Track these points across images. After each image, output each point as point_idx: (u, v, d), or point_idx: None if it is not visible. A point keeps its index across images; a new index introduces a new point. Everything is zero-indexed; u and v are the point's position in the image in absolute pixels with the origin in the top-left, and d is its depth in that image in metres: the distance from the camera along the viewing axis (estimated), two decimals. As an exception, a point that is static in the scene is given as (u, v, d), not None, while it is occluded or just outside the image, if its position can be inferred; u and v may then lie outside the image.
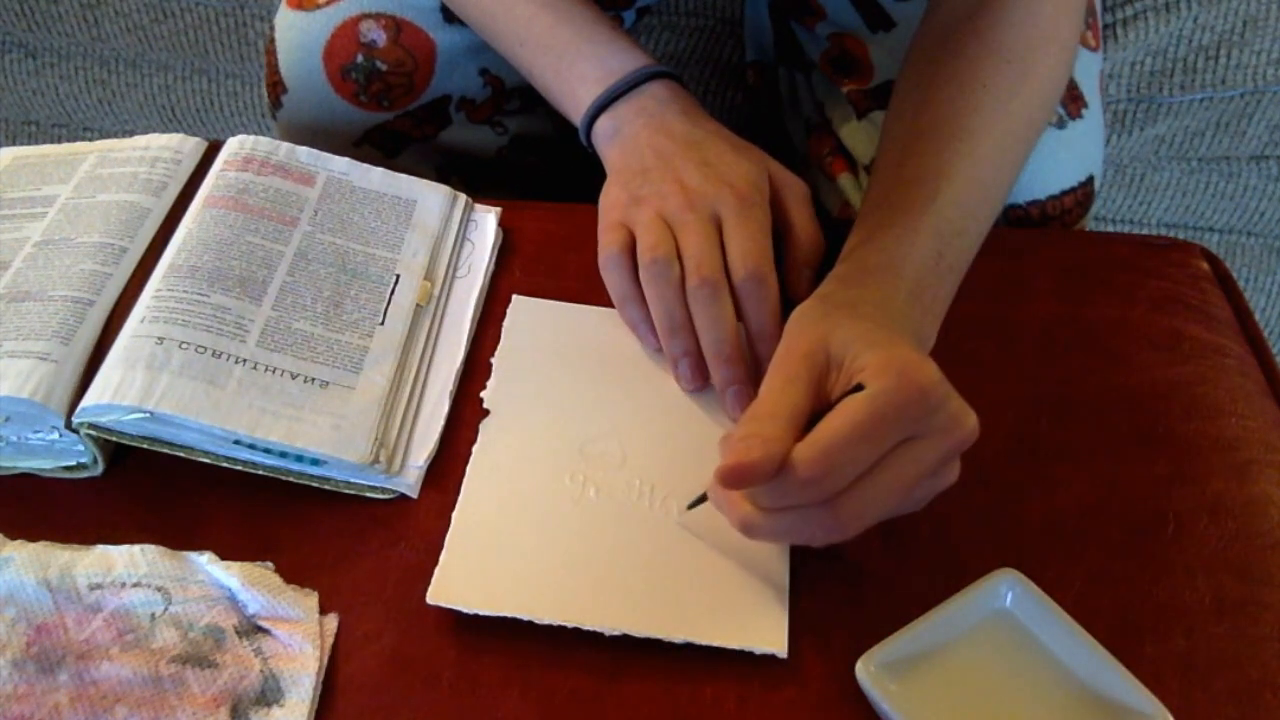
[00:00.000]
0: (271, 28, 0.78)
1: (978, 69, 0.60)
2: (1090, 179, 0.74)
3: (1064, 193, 0.72)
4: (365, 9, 0.75)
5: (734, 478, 0.45)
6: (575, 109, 0.66)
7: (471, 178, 0.84)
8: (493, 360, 0.59)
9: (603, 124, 0.64)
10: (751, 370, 0.57)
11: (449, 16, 0.74)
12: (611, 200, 0.61)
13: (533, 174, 0.87)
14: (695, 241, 0.57)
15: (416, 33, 0.75)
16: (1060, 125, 0.73)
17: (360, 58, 0.75)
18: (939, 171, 0.57)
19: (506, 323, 0.61)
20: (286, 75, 0.77)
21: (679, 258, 0.57)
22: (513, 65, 0.70)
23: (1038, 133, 0.62)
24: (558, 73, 0.67)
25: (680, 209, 0.58)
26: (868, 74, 0.77)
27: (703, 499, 0.51)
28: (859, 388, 0.46)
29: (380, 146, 0.79)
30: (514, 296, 0.63)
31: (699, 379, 0.58)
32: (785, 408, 0.47)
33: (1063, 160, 0.72)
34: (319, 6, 0.75)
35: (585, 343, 0.60)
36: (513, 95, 0.81)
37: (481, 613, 0.48)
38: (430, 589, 0.49)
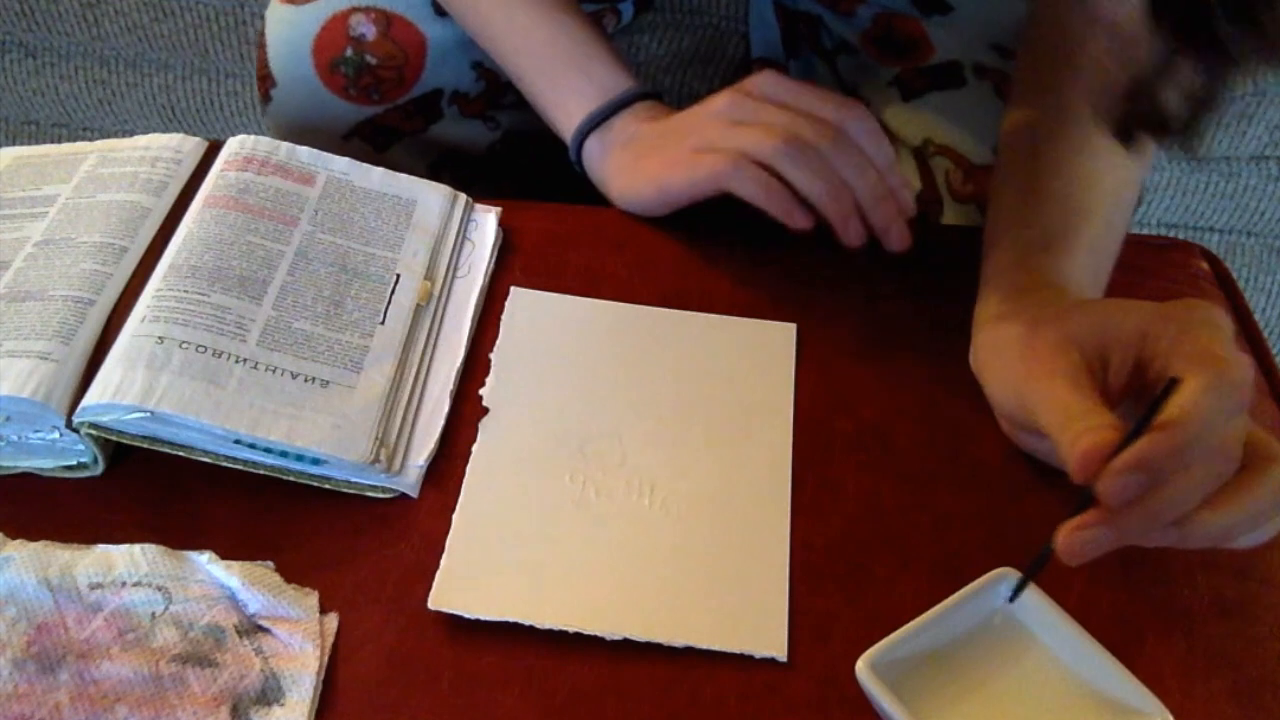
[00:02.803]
0: (262, 21, 0.78)
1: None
2: None
3: None
4: (355, 3, 0.75)
5: (1087, 464, 0.44)
6: (566, 124, 0.67)
7: (463, 174, 0.84)
8: (492, 356, 0.59)
9: (595, 140, 0.66)
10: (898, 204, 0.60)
11: (440, 10, 0.74)
12: (658, 162, 0.63)
13: (524, 170, 0.87)
14: (789, 117, 0.59)
15: (407, 26, 0.75)
16: None
17: (349, 51, 0.75)
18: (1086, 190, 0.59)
19: (505, 315, 0.61)
20: (276, 69, 0.77)
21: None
22: (503, 70, 0.70)
23: None
24: (552, 85, 0.67)
25: (743, 106, 0.61)
26: (925, 52, 0.77)
27: (1034, 570, 0.48)
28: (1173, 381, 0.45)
29: (370, 140, 0.79)
30: (512, 288, 0.63)
31: (864, 233, 0.60)
32: (1087, 401, 0.46)
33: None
34: (309, 0, 0.75)
35: (585, 336, 0.60)
36: (507, 89, 0.81)
37: (483, 618, 0.48)
38: (431, 594, 0.49)
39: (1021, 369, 0.50)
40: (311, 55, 0.76)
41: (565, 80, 0.67)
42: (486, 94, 0.80)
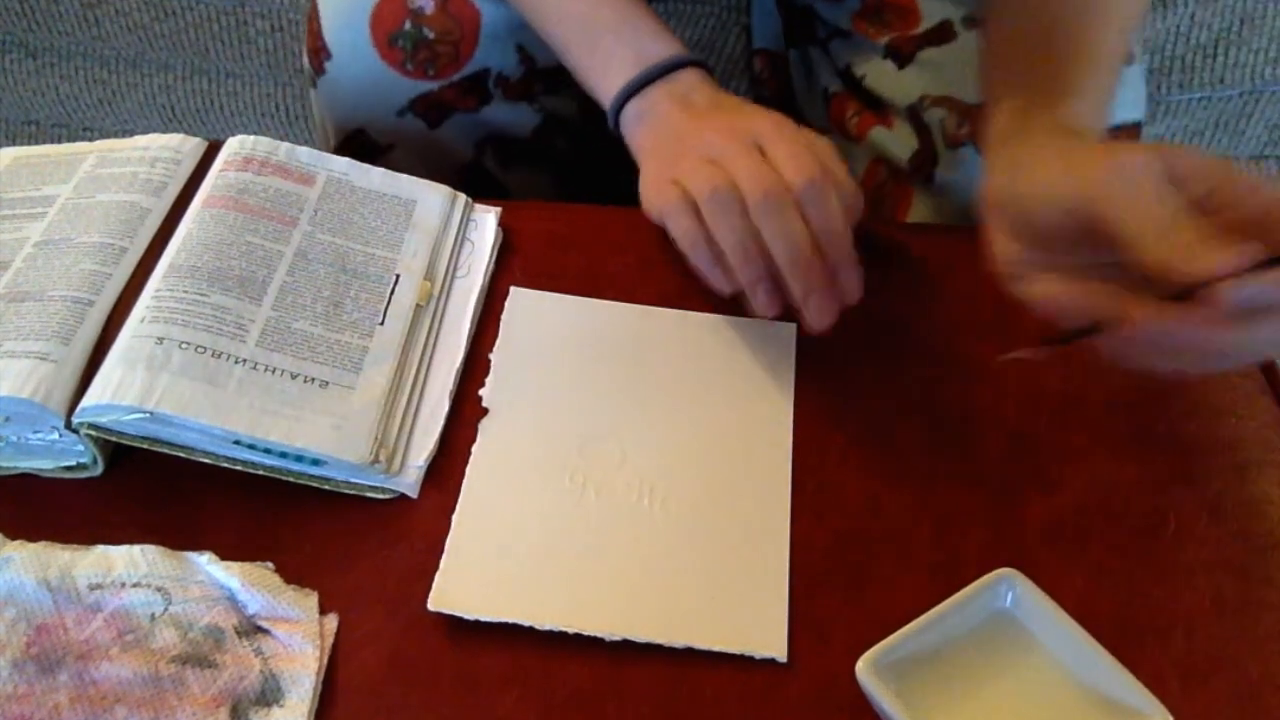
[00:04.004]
0: None
1: None
2: (1139, 124, 0.76)
3: (1120, 127, 0.75)
4: None
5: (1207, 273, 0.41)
6: (606, 91, 0.66)
7: (505, 156, 0.84)
8: (491, 356, 0.59)
9: (632, 107, 0.64)
10: (827, 277, 0.56)
11: None
12: (654, 174, 0.62)
13: (566, 156, 0.87)
14: (745, 165, 0.57)
15: (462, 2, 0.75)
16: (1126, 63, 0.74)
17: (408, 24, 0.75)
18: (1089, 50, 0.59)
19: (505, 315, 0.61)
20: (331, 41, 0.77)
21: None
22: (545, 41, 0.70)
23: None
24: (593, 52, 0.67)
25: (723, 146, 0.58)
26: (913, 20, 0.77)
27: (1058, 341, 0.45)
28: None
29: (423, 116, 0.79)
30: (512, 288, 0.63)
31: (777, 303, 0.57)
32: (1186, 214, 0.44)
33: (1121, 98, 0.73)
34: None
35: (584, 336, 0.60)
36: (541, 75, 0.81)
37: (483, 618, 0.48)
38: (431, 595, 0.49)
39: (1092, 171, 0.47)
40: (369, 28, 0.75)
41: (606, 47, 0.66)
42: (525, 79, 0.80)
